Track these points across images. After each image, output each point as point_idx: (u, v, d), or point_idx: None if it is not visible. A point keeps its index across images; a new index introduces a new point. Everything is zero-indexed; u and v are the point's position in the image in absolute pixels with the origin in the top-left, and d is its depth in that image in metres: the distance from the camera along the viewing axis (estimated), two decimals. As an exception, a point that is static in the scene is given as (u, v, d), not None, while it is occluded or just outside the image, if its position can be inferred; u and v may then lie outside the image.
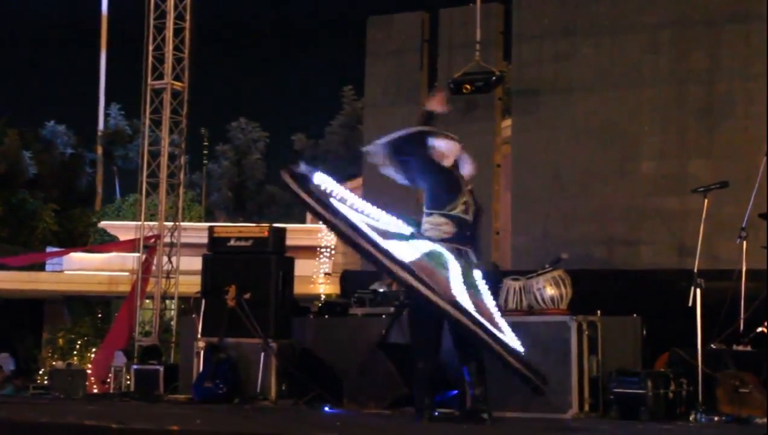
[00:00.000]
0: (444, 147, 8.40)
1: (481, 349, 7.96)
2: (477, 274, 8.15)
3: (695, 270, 8.60)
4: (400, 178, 8.60)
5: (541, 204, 12.03)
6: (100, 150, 37.29)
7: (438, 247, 8.12)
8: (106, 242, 26.86)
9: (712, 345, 8.69)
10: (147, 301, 15.02)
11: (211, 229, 11.30)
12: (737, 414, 8.16)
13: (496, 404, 8.40)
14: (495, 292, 8.46)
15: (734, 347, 8.75)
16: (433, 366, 8.15)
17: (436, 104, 8.61)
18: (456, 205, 8.21)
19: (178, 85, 14.40)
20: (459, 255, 8.12)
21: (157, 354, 12.35)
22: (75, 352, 22.44)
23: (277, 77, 48.44)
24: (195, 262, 11.71)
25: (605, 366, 8.86)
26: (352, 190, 8.33)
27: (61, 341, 23.31)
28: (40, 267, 26.25)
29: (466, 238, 8.23)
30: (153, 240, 14.53)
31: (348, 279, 12.78)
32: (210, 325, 10.59)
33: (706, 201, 9.00)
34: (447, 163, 8.38)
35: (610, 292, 10.07)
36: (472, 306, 7.82)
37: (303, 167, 8.08)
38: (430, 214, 8.28)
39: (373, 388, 9.35)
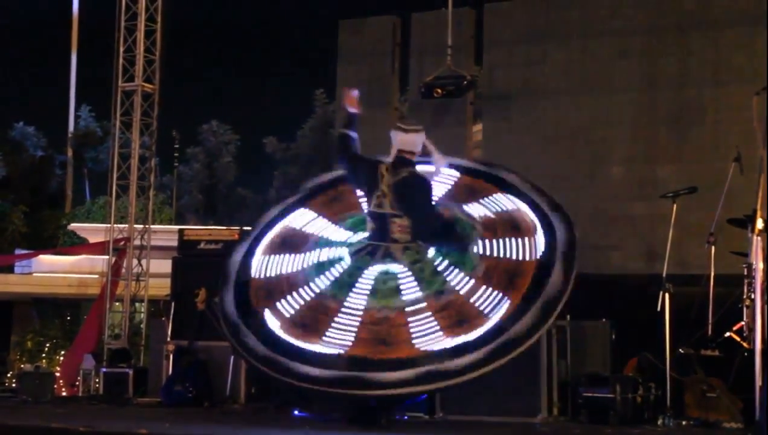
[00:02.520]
0: (392, 139, 8.38)
1: None
2: (372, 271, 8.06)
3: (664, 275, 8.65)
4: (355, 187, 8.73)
5: (511, 208, 12.05)
6: (70, 152, 37.09)
7: (344, 253, 8.21)
8: (76, 244, 26.74)
9: (680, 350, 8.73)
10: (116, 303, 14.93)
11: (181, 231, 11.29)
12: (705, 418, 8.21)
13: (464, 408, 8.45)
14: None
15: (702, 352, 8.79)
16: None
17: (347, 104, 8.55)
18: (371, 200, 8.18)
19: (148, 87, 14.35)
20: (368, 253, 8.14)
21: (126, 357, 12.30)
22: (43, 355, 22.25)
23: (249, 80, 48.35)
24: (165, 265, 11.69)
25: (574, 370, 8.91)
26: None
27: (29, 344, 23.10)
28: (9, 269, 26.10)
29: (383, 233, 8.12)
30: (123, 242, 14.47)
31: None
32: (180, 328, 10.58)
33: (675, 206, 9.06)
34: (390, 156, 8.36)
35: (579, 297, 10.09)
36: (289, 315, 7.92)
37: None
38: None
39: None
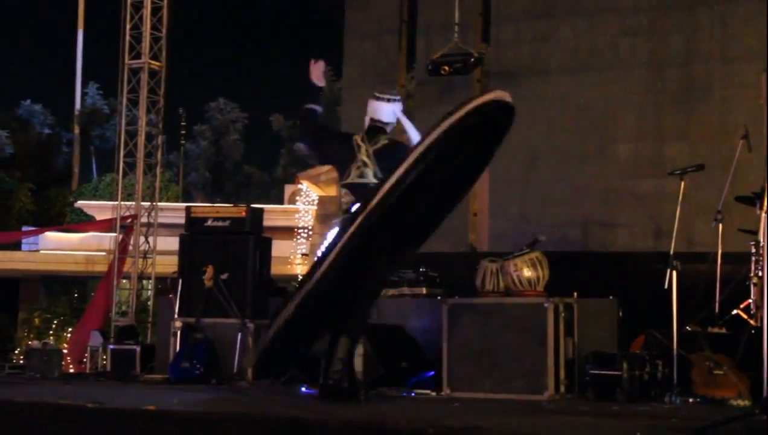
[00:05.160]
0: (368, 108, 8.25)
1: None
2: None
3: (671, 252, 8.63)
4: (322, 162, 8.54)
5: (518, 186, 12.03)
6: (77, 129, 37.11)
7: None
8: (83, 222, 26.81)
9: (687, 327, 8.73)
10: (124, 281, 14.97)
11: (188, 209, 11.29)
12: (711, 396, 8.19)
13: (471, 385, 8.46)
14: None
15: (709, 329, 8.79)
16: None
17: (315, 78, 8.35)
18: (350, 171, 8.03)
19: (155, 64, 14.34)
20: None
21: (133, 334, 12.33)
22: (51, 332, 22.36)
23: (256, 58, 48.28)
24: (172, 242, 11.69)
25: (581, 348, 8.90)
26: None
27: (37, 321, 23.22)
28: (16, 246, 26.18)
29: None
30: (130, 220, 14.50)
31: (325, 260, 12.75)
32: (187, 306, 10.58)
33: (682, 184, 9.03)
34: (366, 124, 8.22)
35: (586, 275, 10.09)
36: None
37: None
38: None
39: (349, 369, 9.35)
